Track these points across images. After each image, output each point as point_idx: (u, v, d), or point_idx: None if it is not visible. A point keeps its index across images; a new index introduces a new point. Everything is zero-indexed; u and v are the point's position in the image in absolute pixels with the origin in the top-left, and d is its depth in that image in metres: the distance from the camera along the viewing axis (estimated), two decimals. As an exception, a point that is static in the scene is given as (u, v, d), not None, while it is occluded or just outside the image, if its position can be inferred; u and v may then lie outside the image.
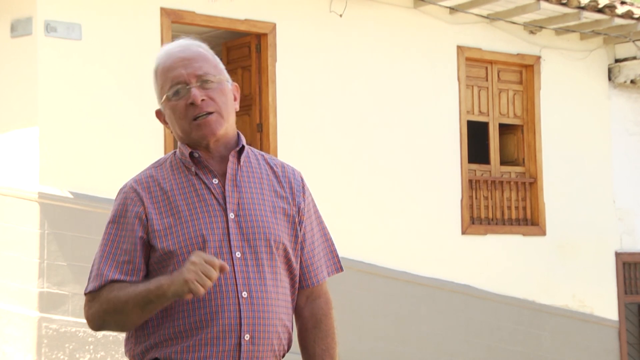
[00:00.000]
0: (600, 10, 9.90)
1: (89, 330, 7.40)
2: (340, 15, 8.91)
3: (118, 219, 2.58)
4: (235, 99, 2.69)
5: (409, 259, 9.25)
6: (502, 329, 9.80)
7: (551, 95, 10.37)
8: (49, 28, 7.48)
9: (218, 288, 2.47)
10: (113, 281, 2.53)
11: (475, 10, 9.67)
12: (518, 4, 9.57)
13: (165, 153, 7.76)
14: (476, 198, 9.87)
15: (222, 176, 2.60)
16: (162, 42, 7.65)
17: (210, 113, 2.57)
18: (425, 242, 9.38)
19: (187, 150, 2.60)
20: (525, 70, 10.32)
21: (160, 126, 2.72)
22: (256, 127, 8.65)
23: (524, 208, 10.20)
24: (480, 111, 10.01)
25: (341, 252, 8.54)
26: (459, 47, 9.74)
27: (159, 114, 2.69)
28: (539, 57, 10.31)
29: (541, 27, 10.13)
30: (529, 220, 10.19)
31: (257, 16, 8.53)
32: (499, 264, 9.85)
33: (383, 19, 9.25)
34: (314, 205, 2.76)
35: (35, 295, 7.40)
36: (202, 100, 2.57)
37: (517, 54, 10.19)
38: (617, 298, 10.65)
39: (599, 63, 10.80)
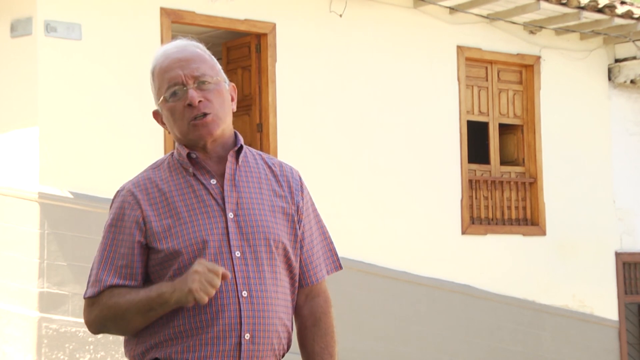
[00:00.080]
0: (600, 10, 9.90)
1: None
2: (340, 15, 8.91)
3: (116, 223, 2.58)
4: (232, 100, 2.69)
5: (409, 259, 9.25)
6: (502, 329, 9.80)
7: (551, 95, 10.37)
8: (49, 28, 7.48)
9: (218, 288, 2.47)
10: (112, 286, 2.54)
11: (475, 10, 9.67)
12: (518, 4, 9.57)
13: (165, 153, 7.76)
14: (476, 198, 9.87)
15: (220, 176, 2.60)
16: (162, 42, 7.65)
17: (208, 114, 2.57)
18: (425, 242, 9.38)
19: (184, 151, 2.60)
20: (525, 70, 10.32)
21: (160, 126, 2.70)
22: (256, 127, 8.65)
23: (524, 208, 10.20)
24: (480, 111, 10.01)
25: (341, 252, 8.53)
26: (459, 47, 9.74)
27: (156, 115, 2.69)
28: (539, 57, 10.31)
29: (541, 27, 10.13)
30: (529, 220, 10.19)
31: (257, 16, 8.53)
32: (499, 264, 9.85)
33: (383, 19, 9.25)
34: (312, 204, 2.77)
35: (35, 295, 7.40)
36: (200, 101, 2.57)
37: (517, 54, 10.19)
38: (617, 298, 10.65)
39: (599, 63, 10.80)
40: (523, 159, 10.28)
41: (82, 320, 7.06)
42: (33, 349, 7.38)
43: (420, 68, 9.49)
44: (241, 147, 2.64)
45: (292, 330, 2.65)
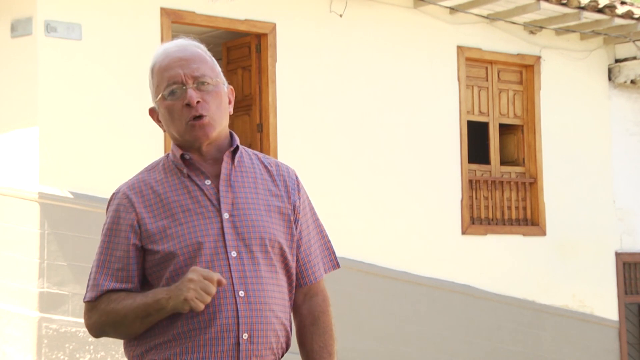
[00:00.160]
0: (600, 11, 9.90)
1: (89, 330, 7.39)
2: (340, 15, 8.91)
3: (112, 226, 2.59)
4: (230, 103, 2.68)
5: (409, 259, 9.26)
6: (502, 329, 9.80)
7: (551, 95, 10.37)
8: (49, 28, 7.48)
9: (215, 291, 2.47)
10: (110, 291, 2.55)
11: (475, 10, 9.67)
12: (518, 4, 9.57)
13: (165, 153, 7.76)
14: (476, 198, 9.87)
15: (215, 177, 2.60)
16: (162, 43, 7.64)
17: (205, 116, 2.57)
18: (425, 242, 9.38)
19: (178, 152, 2.60)
20: (525, 70, 10.32)
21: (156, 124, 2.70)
22: (256, 127, 8.65)
23: (524, 208, 10.20)
24: (480, 111, 10.01)
25: (341, 252, 8.46)
26: (459, 47, 9.74)
27: (152, 112, 2.68)
28: (539, 57, 10.31)
29: (541, 27, 10.13)
30: (529, 220, 10.19)
31: (257, 16, 8.53)
32: (499, 264, 9.85)
33: (383, 19, 9.25)
34: (310, 203, 2.76)
35: (35, 295, 7.40)
36: (198, 102, 2.56)
37: (517, 54, 10.19)
38: (617, 298, 10.65)
39: (599, 63, 10.80)
40: (523, 159, 10.28)
41: (82, 320, 7.07)
42: (33, 349, 7.38)
43: (420, 68, 9.49)
44: (237, 147, 2.64)
45: (291, 329, 2.65)
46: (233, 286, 2.50)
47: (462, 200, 9.65)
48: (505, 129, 10.26)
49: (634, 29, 10.26)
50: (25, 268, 7.47)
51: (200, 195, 2.57)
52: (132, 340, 2.60)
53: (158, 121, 2.66)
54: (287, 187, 2.68)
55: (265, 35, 8.59)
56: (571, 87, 10.56)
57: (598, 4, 9.81)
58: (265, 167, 2.69)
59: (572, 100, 10.55)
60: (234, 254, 2.53)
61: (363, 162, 9.06)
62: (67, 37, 7.57)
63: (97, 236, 2.65)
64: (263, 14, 8.57)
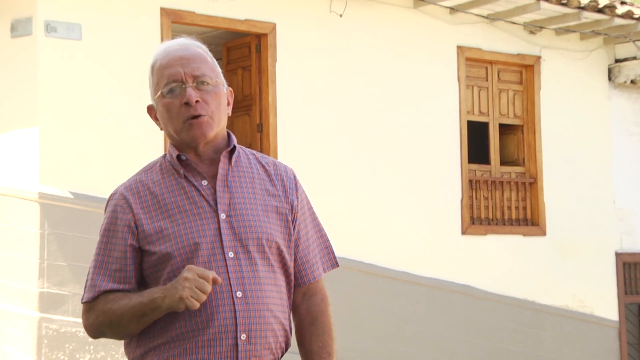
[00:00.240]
0: (600, 11, 9.90)
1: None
2: (340, 15, 8.91)
3: (109, 227, 2.59)
4: (228, 104, 2.68)
5: (409, 259, 9.25)
6: (502, 329, 9.80)
7: (551, 96, 10.37)
8: (49, 28, 7.48)
9: (212, 289, 2.47)
10: (107, 291, 2.55)
11: (475, 10, 9.67)
12: (518, 4, 9.57)
13: (164, 153, 7.75)
14: (476, 198, 9.87)
15: (212, 178, 2.59)
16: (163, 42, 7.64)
17: (203, 115, 2.56)
18: (425, 242, 9.38)
19: (175, 153, 2.60)
20: (525, 71, 10.33)
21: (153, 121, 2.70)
22: (256, 127, 8.65)
23: (524, 208, 10.20)
24: (480, 111, 10.01)
25: (341, 252, 8.45)
26: (459, 47, 9.74)
27: (150, 110, 2.69)
28: (539, 57, 10.31)
29: (541, 27, 10.13)
30: (529, 220, 10.19)
31: (257, 16, 8.53)
32: (499, 264, 9.85)
33: (383, 19, 9.25)
34: (308, 202, 2.76)
35: (35, 295, 7.40)
36: (197, 101, 2.56)
37: (517, 54, 10.19)
38: (617, 298, 10.65)
39: (599, 63, 10.80)
40: (523, 159, 10.28)
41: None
42: (33, 349, 7.38)
43: (420, 68, 9.49)
44: (234, 147, 2.64)
45: (290, 329, 2.65)
46: (230, 287, 2.50)
47: (462, 201, 9.65)
48: (505, 129, 10.26)
49: (634, 29, 10.26)
50: (25, 268, 7.47)
51: (197, 196, 2.57)
52: (131, 342, 2.60)
53: (156, 119, 2.66)
54: (284, 187, 2.67)
55: (265, 35, 8.59)
56: (571, 87, 10.56)
57: (598, 4, 9.81)
58: (263, 166, 2.68)
59: (572, 100, 10.56)
60: (231, 254, 2.53)
61: (363, 162, 9.06)
62: (67, 37, 7.57)
63: (97, 236, 2.65)
64: (263, 14, 8.57)
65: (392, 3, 9.31)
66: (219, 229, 2.53)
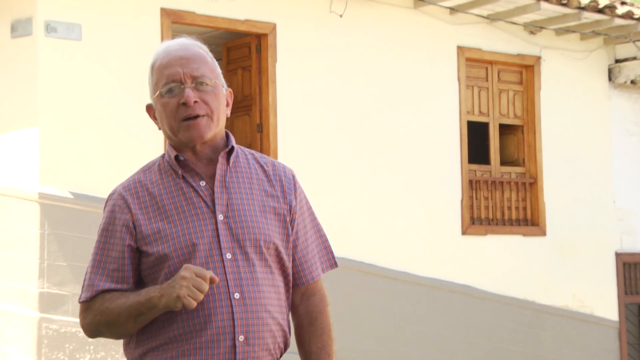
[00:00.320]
0: (600, 11, 9.90)
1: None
2: (340, 16, 8.91)
3: (107, 227, 2.59)
4: (227, 105, 2.67)
5: (409, 259, 9.26)
6: (502, 329, 9.80)
7: (551, 96, 10.38)
8: (49, 28, 7.48)
9: (210, 291, 2.47)
10: (104, 291, 2.55)
11: (475, 11, 9.67)
12: (518, 4, 9.57)
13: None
14: (476, 198, 9.87)
15: (210, 178, 2.59)
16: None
17: (201, 116, 2.56)
18: (425, 242, 9.38)
19: (173, 153, 2.59)
20: (526, 71, 10.33)
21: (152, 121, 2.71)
22: (256, 127, 8.65)
23: (524, 208, 10.20)
24: (480, 111, 10.01)
25: (341, 252, 8.44)
26: (459, 48, 9.74)
27: (149, 109, 2.69)
28: (539, 58, 10.31)
29: (541, 28, 10.13)
30: (529, 220, 10.19)
31: (257, 16, 8.53)
32: (499, 264, 9.85)
33: (383, 19, 9.25)
34: (307, 202, 2.75)
35: (35, 295, 7.40)
36: (195, 102, 2.56)
37: (517, 54, 10.19)
38: (617, 298, 10.65)
39: (599, 63, 10.80)
40: (523, 159, 10.28)
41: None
42: (33, 349, 7.39)
43: (420, 68, 9.49)
44: (232, 148, 2.63)
45: (289, 329, 2.64)
46: (228, 288, 2.50)
47: (462, 201, 9.65)
48: (505, 129, 10.26)
49: (634, 29, 10.26)
50: (25, 268, 7.47)
51: (195, 197, 2.56)
52: (130, 343, 2.60)
53: (154, 118, 2.66)
54: (283, 187, 2.67)
55: (265, 35, 8.59)
56: (571, 88, 10.56)
57: (598, 4, 9.81)
58: (262, 167, 2.68)
59: (572, 101, 10.56)
60: (228, 255, 2.52)
61: (363, 162, 9.06)
62: (67, 38, 7.57)
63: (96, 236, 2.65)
64: (263, 14, 8.57)
65: (392, 3, 9.31)
66: (217, 230, 2.53)
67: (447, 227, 9.55)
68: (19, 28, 7.60)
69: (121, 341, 2.66)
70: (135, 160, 7.47)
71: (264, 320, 2.53)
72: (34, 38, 7.49)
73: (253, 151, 2.73)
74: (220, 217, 2.55)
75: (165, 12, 8.01)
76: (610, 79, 10.85)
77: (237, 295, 2.50)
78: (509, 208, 10.08)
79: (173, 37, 2.98)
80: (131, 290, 2.55)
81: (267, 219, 2.60)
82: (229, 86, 2.71)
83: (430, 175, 9.46)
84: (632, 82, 10.76)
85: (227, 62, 8.95)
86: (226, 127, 2.70)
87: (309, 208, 2.76)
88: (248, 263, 2.54)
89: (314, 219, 2.76)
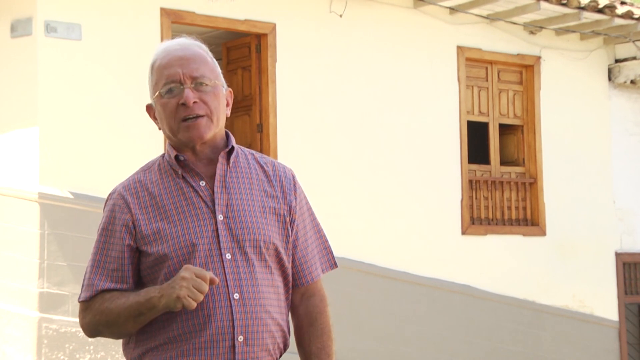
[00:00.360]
0: (600, 11, 9.90)
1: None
2: (340, 16, 8.91)
3: (107, 226, 2.59)
4: (227, 105, 2.67)
5: (409, 259, 9.26)
6: (502, 329, 9.80)
7: (551, 96, 10.38)
8: (49, 28, 7.48)
9: (209, 291, 2.46)
10: (104, 290, 2.55)
11: (475, 11, 9.67)
12: (518, 4, 9.57)
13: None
14: (476, 198, 9.87)
15: (210, 178, 2.59)
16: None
17: (201, 116, 2.56)
18: (425, 242, 9.38)
19: (173, 153, 2.59)
20: (525, 71, 10.33)
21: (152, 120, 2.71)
22: (256, 127, 8.65)
23: (524, 208, 10.20)
24: (480, 111, 10.01)
25: (341, 252, 8.43)
26: (459, 47, 9.74)
27: (149, 109, 2.69)
28: (539, 58, 10.31)
29: (541, 28, 10.13)
30: (529, 220, 10.19)
31: (257, 16, 8.53)
32: (499, 264, 9.85)
33: (383, 19, 9.25)
34: (307, 203, 2.75)
35: (35, 295, 7.40)
36: (194, 102, 2.55)
37: (517, 54, 10.19)
38: (617, 298, 10.65)
39: (599, 63, 10.80)
40: (523, 159, 10.28)
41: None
42: (33, 349, 7.39)
43: (420, 68, 9.49)
44: (232, 148, 2.63)
45: (288, 330, 2.64)
46: (228, 288, 2.49)
47: (462, 201, 9.65)
48: (505, 129, 10.26)
49: (634, 29, 10.26)
50: (25, 268, 7.47)
51: (195, 197, 2.56)
52: (129, 343, 2.60)
53: (154, 118, 2.66)
54: (283, 188, 2.66)
55: (265, 35, 8.59)
56: (571, 87, 10.56)
57: (598, 4, 9.81)
58: (262, 167, 2.68)
59: (572, 101, 10.56)
60: (228, 256, 2.52)
61: (363, 162, 9.06)
62: (67, 37, 7.57)
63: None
64: (263, 14, 8.57)
65: (392, 3, 9.31)
66: (217, 230, 2.53)
67: (447, 227, 9.55)
68: (19, 28, 7.60)
69: (121, 341, 2.66)
70: (135, 160, 7.47)
71: (263, 321, 2.52)
72: (33, 38, 7.49)
73: (253, 151, 2.73)
74: (220, 217, 2.54)
75: (165, 12, 8.01)
76: (610, 79, 10.85)
77: (236, 296, 2.50)
78: (509, 208, 10.08)
79: (173, 37, 2.98)
80: (131, 290, 2.55)
81: (267, 220, 2.59)
82: (228, 86, 2.71)
83: (430, 175, 9.46)
84: (632, 82, 10.76)
85: (227, 62, 8.95)
86: (226, 127, 2.70)
87: (309, 209, 2.75)
88: (248, 263, 2.53)
89: (313, 219, 2.76)
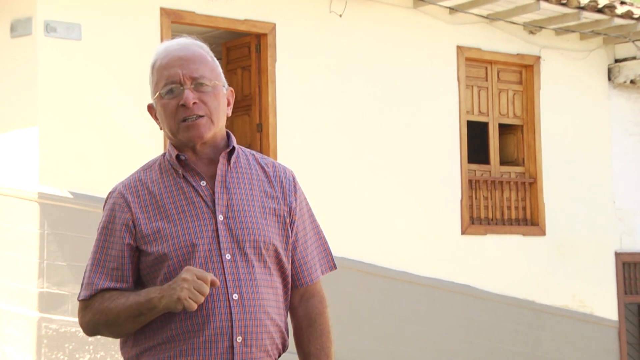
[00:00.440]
0: (600, 11, 9.90)
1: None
2: (340, 15, 8.91)
3: (107, 225, 2.59)
4: (228, 104, 2.67)
5: (409, 259, 9.26)
6: (502, 329, 9.80)
7: (551, 95, 10.38)
8: (49, 28, 7.48)
9: (209, 291, 2.46)
10: (104, 289, 2.55)
11: (475, 10, 9.67)
12: (518, 4, 9.57)
13: (165, 153, 7.75)
14: (476, 198, 9.87)
15: (211, 178, 2.59)
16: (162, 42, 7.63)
17: (201, 116, 2.56)
18: (425, 242, 9.38)
19: (174, 153, 2.59)
20: (525, 70, 10.32)
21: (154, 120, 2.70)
22: (256, 127, 8.65)
23: (524, 208, 10.20)
24: (480, 111, 10.01)
25: (341, 252, 8.45)
26: (459, 47, 9.74)
27: (150, 109, 2.68)
28: (538, 57, 10.31)
29: (541, 27, 10.13)
30: (528, 220, 10.19)
31: (257, 16, 8.53)
32: (499, 264, 9.85)
33: (383, 19, 9.25)
34: (307, 204, 2.75)
35: (35, 295, 7.40)
36: (194, 103, 2.55)
37: (517, 54, 10.19)
38: (617, 298, 10.65)
39: (599, 63, 10.80)
40: (523, 159, 10.28)
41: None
42: (33, 349, 7.39)
43: (420, 68, 9.49)
44: (233, 148, 2.63)
45: (287, 331, 2.64)
46: (227, 289, 2.49)
47: (461, 200, 9.65)
48: (505, 129, 10.26)
49: (634, 29, 10.26)
50: (25, 268, 7.48)
51: (195, 197, 2.56)
52: (127, 342, 2.60)
53: (156, 118, 2.66)
54: (283, 189, 2.66)
55: (265, 35, 8.59)
56: (571, 87, 10.56)
57: (598, 4, 9.81)
58: (262, 167, 2.68)
59: (572, 100, 10.56)
60: (228, 256, 2.52)
61: (363, 162, 9.06)
62: (67, 37, 7.57)
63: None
64: (263, 14, 8.57)
65: (392, 3, 9.31)
66: (217, 230, 2.53)
67: (447, 227, 9.55)
68: (19, 28, 7.60)
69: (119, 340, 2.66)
70: (135, 160, 7.47)
71: (262, 322, 2.52)
72: (33, 38, 7.49)
73: (254, 152, 2.73)
74: (220, 217, 2.54)
75: (165, 12, 8.01)
76: (609, 79, 10.85)
77: (235, 296, 2.49)
78: (509, 208, 10.09)
79: (173, 37, 2.98)
80: (130, 289, 2.55)
81: (267, 220, 2.59)
82: (229, 86, 2.71)
83: (430, 175, 9.46)
84: (632, 81, 10.76)
85: (226, 62, 8.95)
86: (226, 127, 2.70)
87: (309, 210, 2.75)
88: (247, 264, 2.53)
89: (313, 220, 2.76)
